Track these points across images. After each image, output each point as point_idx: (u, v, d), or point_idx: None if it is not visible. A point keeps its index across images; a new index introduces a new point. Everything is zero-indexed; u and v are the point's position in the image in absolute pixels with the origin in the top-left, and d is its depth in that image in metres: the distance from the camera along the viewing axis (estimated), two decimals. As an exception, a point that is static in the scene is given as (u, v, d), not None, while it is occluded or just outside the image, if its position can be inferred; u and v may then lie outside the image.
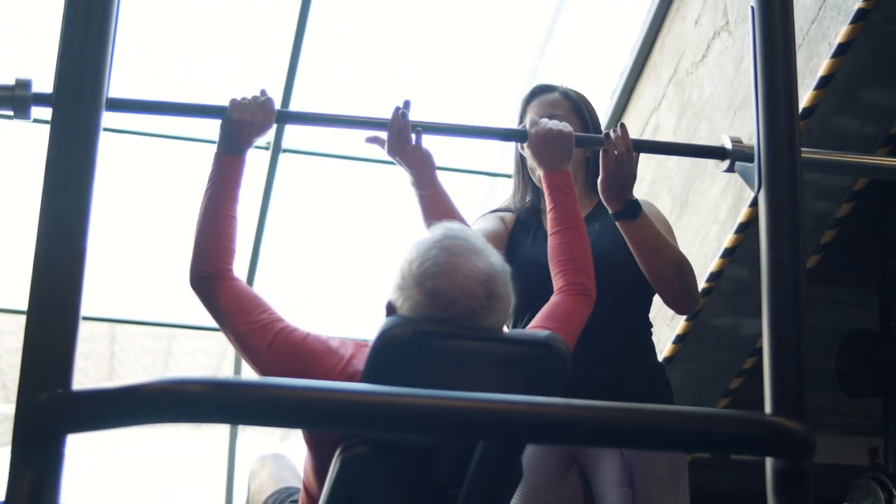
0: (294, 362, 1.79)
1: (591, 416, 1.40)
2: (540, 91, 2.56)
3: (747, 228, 3.69)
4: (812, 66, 3.36)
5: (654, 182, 4.41)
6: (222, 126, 2.11)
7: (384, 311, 1.72)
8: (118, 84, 2.01)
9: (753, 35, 2.07)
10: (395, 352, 1.59)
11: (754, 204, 3.64)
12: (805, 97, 3.35)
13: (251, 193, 4.84)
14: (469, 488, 1.60)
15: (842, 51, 3.21)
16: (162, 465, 6.11)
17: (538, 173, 2.30)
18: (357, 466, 1.69)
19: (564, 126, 2.22)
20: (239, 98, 2.12)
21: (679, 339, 4.05)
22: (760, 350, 4.17)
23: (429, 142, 5.35)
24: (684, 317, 4.00)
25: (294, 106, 4.58)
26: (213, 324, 5.78)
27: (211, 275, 1.97)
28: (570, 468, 2.39)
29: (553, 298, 2.02)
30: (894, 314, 4.47)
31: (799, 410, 1.72)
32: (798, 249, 1.93)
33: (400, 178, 5.36)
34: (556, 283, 2.07)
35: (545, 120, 2.24)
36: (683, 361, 4.18)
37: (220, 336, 5.97)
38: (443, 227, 1.74)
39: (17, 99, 1.75)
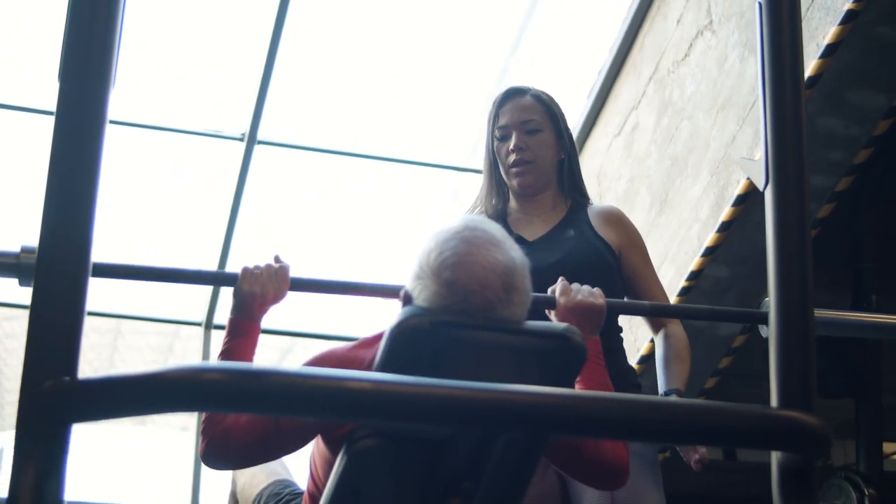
0: None
1: (620, 409, 1.38)
2: (512, 94, 2.53)
3: (730, 227, 3.70)
4: (799, 66, 3.36)
5: (632, 180, 4.40)
6: (234, 295, 2.04)
7: (400, 301, 1.68)
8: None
9: (761, 30, 2.06)
10: (411, 342, 1.55)
11: (738, 203, 3.64)
12: (792, 97, 3.35)
13: (224, 184, 4.79)
14: (490, 481, 1.57)
15: (830, 51, 3.22)
16: (125, 462, 6.04)
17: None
18: (365, 460, 1.65)
19: (597, 297, 2.10)
20: (251, 266, 2.05)
21: (656, 338, 4.04)
22: (736, 350, 4.21)
23: (398, 135, 5.24)
24: (663, 315, 4.00)
25: (270, 99, 4.53)
26: (163, 315, 5.61)
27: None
28: (548, 468, 2.37)
29: None
30: (867, 316, 4.50)
31: (807, 406, 1.72)
32: (805, 245, 1.91)
33: (373, 173, 5.30)
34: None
35: (576, 286, 2.12)
36: (660, 360, 4.18)
37: (168, 330, 5.81)
38: (463, 219, 1.71)
39: (22, 266, 1.71)
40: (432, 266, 1.64)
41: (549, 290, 2.13)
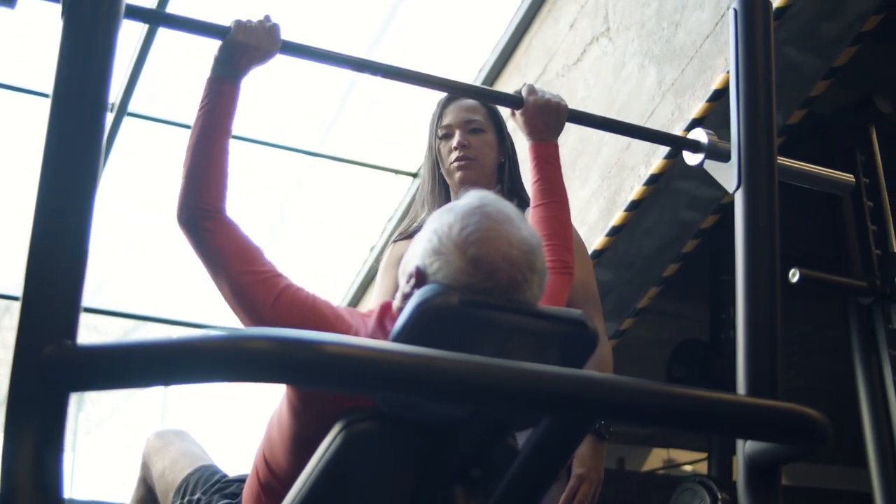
0: (300, 324, 1.64)
1: (673, 401, 1.38)
2: (456, 96, 2.57)
3: (619, 232, 3.75)
4: (705, 78, 3.44)
5: (512, 180, 4.41)
6: (222, 49, 1.95)
7: (412, 277, 1.60)
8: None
9: (735, 36, 2.10)
10: (437, 322, 1.48)
11: (631, 208, 3.70)
12: (696, 108, 3.44)
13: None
14: (523, 466, 1.52)
15: (739, 66, 3.30)
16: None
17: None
18: (362, 444, 1.58)
19: (561, 100, 2.22)
20: (244, 20, 1.96)
21: (532, 338, 4.05)
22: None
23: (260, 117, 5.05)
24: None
25: (146, 69, 4.32)
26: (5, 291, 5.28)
27: (208, 212, 1.80)
28: None
29: None
30: (725, 326, 4.67)
31: (773, 395, 1.76)
32: (774, 246, 1.96)
33: (236, 153, 5.15)
34: None
35: (541, 88, 2.23)
36: (533, 360, 4.20)
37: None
38: (477, 195, 1.65)
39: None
40: (455, 241, 1.57)
41: (514, 91, 2.24)
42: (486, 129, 2.52)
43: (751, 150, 2.07)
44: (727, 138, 3.54)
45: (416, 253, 1.63)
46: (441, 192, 2.55)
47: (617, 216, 3.74)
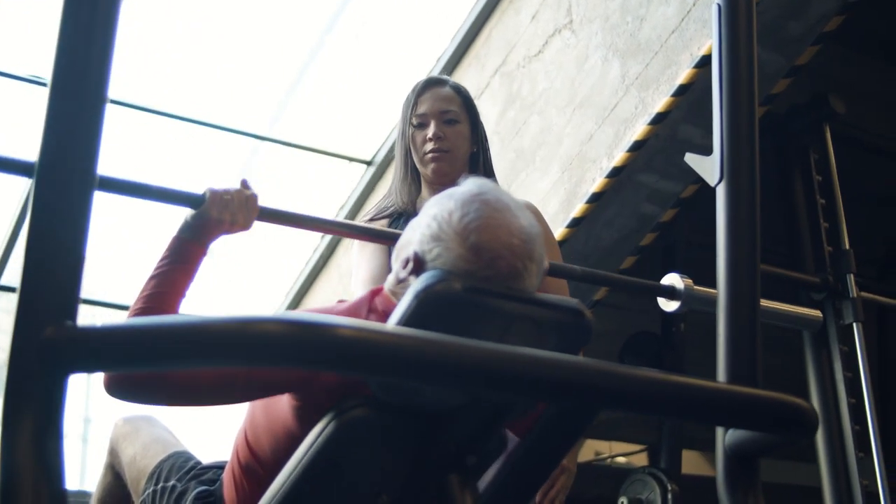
0: None
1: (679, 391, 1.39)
2: (432, 83, 2.56)
3: (579, 224, 3.77)
4: (670, 73, 3.47)
5: (469, 170, 4.41)
6: (195, 217, 1.87)
7: (409, 263, 1.60)
8: None
9: (719, 31, 2.12)
10: (438, 309, 1.48)
11: (592, 200, 3.72)
12: (660, 102, 3.46)
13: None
14: (525, 457, 1.52)
15: (704, 62, 3.34)
16: None
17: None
18: (355, 431, 1.57)
19: None
20: (220, 190, 1.88)
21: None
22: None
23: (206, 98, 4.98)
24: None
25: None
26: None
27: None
28: None
29: None
30: (676, 319, 4.70)
31: (755, 384, 1.78)
32: (755, 238, 1.98)
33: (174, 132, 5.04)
34: None
35: None
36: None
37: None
38: (476, 182, 1.65)
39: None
40: (455, 228, 1.57)
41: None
42: (461, 119, 2.53)
43: (733, 143, 2.08)
44: (692, 132, 3.59)
45: (414, 238, 1.62)
46: (413, 180, 2.55)
47: (578, 208, 3.75)
